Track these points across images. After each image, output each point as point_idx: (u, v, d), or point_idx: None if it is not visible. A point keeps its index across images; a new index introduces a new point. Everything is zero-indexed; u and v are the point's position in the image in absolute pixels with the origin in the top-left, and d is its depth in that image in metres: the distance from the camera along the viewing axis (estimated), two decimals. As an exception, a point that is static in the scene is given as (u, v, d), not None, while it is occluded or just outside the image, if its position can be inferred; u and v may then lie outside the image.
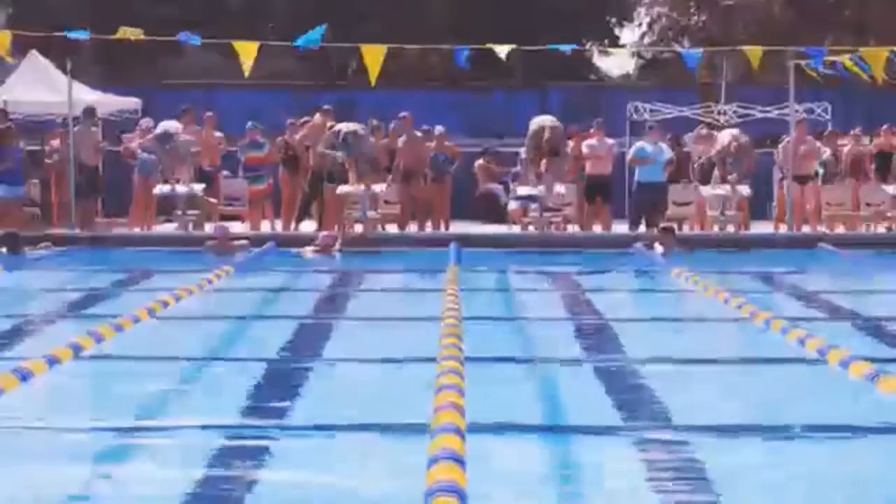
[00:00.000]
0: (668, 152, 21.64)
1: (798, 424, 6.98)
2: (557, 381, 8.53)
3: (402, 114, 22.33)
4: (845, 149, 23.01)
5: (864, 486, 5.90)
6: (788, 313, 11.44)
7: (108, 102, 25.59)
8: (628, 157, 22.14)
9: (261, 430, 6.90)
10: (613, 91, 33.76)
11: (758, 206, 23.07)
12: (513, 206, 21.62)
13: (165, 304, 11.74)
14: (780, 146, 22.62)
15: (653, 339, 10.63)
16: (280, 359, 9.36)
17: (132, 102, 26.20)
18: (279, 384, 8.33)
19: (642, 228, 21.01)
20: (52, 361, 8.48)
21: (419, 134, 22.30)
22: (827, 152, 22.57)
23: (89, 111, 22.24)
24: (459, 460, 5.62)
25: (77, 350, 9.00)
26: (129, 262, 17.45)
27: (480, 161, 23.59)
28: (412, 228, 22.00)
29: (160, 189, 21.08)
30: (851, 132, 23.25)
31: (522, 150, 22.09)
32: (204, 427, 6.94)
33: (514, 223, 21.84)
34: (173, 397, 7.98)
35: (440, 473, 5.37)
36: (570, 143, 22.37)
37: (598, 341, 10.26)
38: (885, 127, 23.22)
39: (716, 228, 21.20)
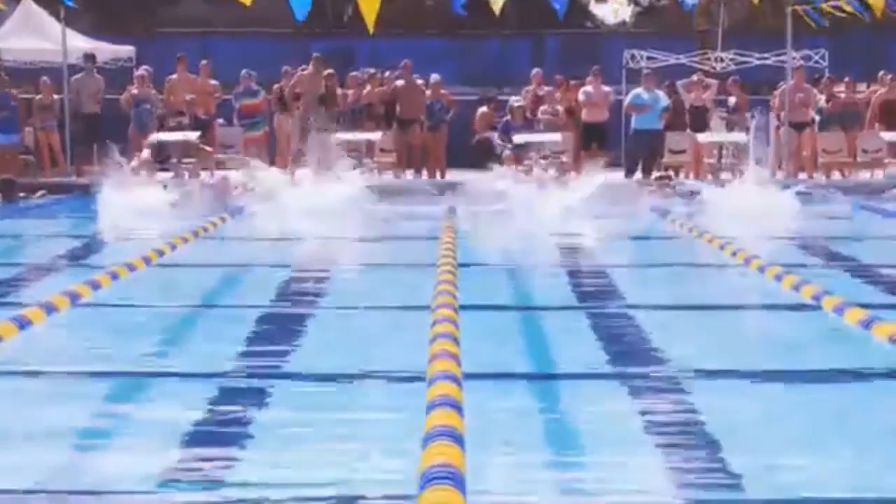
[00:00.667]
0: (664, 100, 21.61)
1: (792, 369, 7.01)
2: (552, 327, 8.54)
3: (404, 61, 22.24)
4: (874, 96, 22.87)
5: (857, 428, 5.93)
6: (783, 260, 11.44)
7: (103, 50, 25.46)
8: (625, 103, 22.07)
9: (257, 376, 6.92)
10: (610, 38, 33.62)
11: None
12: (508, 153, 21.58)
13: (161, 253, 11.77)
14: (775, 92, 22.54)
15: (648, 285, 10.66)
16: (276, 306, 9.37)
17: (126, 51, 26.08)
18: (275, 331, 8.35)
19: (638, 175, 21.01)
20: (50, 309, 8.51)
21: (418, 81, 22.22)
22: (822, 99, 22.51)
23: (90, 58, 22.13)
24: (457, 406, 5.66)
25: (74, 298, 9.02)
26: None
27: (484, 108, 23.51)
28: (408, 176, 21.97)
29: (156, 136, 21.05)
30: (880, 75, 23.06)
31: (512, 99, 22.09)
32: (201, 374, 6.96)
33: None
34: (171, 345, 8.01)
35: (438, 419, 5.41)
36: (558, 94, 22.34)
37: (593, 287, 10.28)
38: (881, 74, 23.17)
39: (709, 177, 21.20)
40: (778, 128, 22.29)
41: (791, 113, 21.60)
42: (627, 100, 21.88)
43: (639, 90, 21.65)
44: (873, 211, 16.91)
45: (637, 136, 21.48)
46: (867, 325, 7.84)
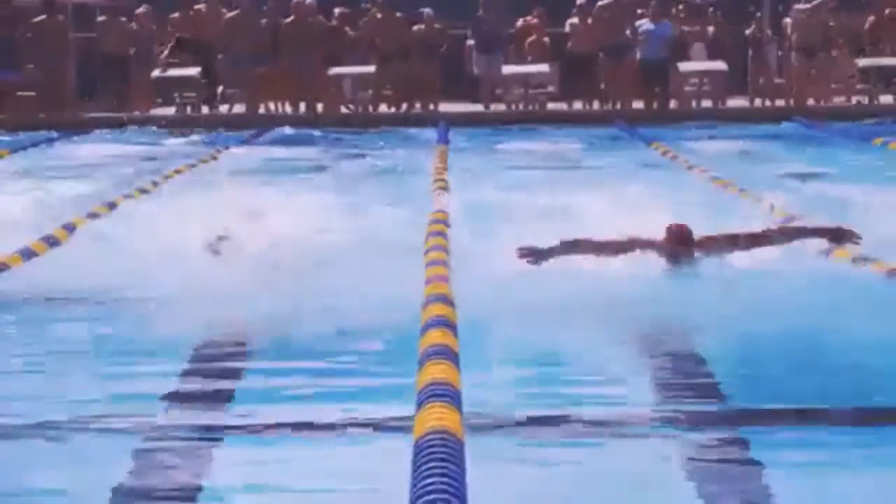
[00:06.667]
0: (671, 29, 21.04)
1: (772, 299, 6.76)
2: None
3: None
4: None
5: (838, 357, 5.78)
6: (761, 185, 11.27)
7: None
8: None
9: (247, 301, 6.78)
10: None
11: (733, 82, 22.69)
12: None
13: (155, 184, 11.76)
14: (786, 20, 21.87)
15: (634, 213, 10.39)
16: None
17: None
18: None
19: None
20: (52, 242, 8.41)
21: (397, 14, 21.78)
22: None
23: None
24: (451, 326, 5.57)
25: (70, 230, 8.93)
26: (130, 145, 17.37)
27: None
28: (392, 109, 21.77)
29: (157, 73, 20.90)
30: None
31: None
32: (197, 297, 6.82)
33: (500, 102, 21.70)
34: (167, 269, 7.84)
35: (433, 339, 5.31)
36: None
37: (577, 217, 9.99)
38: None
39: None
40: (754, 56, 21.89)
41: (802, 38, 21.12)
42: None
43: (643, 20, 21.06)
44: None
45: (645, 68, 21.09)
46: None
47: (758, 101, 21.56)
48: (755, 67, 21.88)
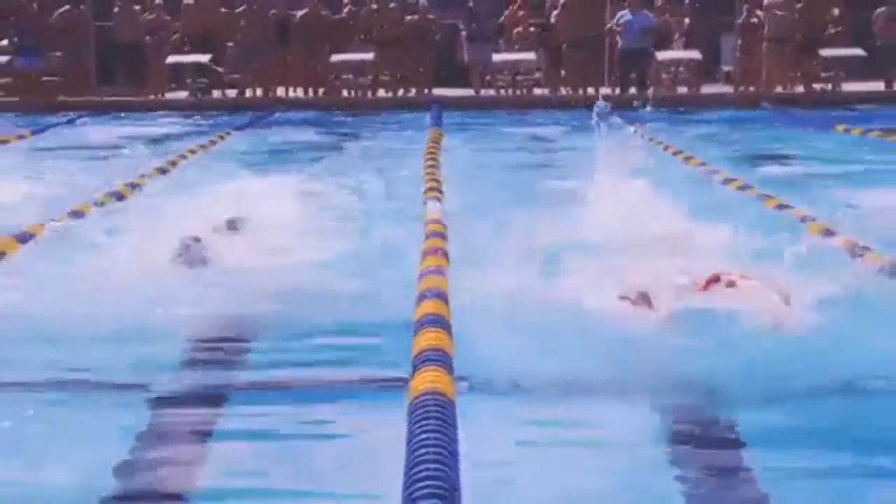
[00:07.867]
0: (651, 20, 21.14)
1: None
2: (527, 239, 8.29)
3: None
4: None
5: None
6: (732, 167, 11.48)
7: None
8: (611, 25, 21.51)
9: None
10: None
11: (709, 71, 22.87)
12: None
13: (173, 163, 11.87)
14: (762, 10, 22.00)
15: (618, 196, 10.45)
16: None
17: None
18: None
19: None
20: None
21: (391, 5, 21.98)
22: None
23: None
24: (443, 297, 5.70)
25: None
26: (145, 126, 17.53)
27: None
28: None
29: (172, 59, 21.11)
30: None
31: None
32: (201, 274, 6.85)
33: (490, 87, 21.90)
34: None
35: (427, 308, 5.45)
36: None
37: (557, 198, 9.90)
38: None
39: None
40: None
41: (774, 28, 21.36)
42: (613, 21, 21.49)
43: (624, 11, 21.30)
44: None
45: (624, 57, 21.24)
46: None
47: (732, 88, 21.82)
48: (742, 56, 21.97)
